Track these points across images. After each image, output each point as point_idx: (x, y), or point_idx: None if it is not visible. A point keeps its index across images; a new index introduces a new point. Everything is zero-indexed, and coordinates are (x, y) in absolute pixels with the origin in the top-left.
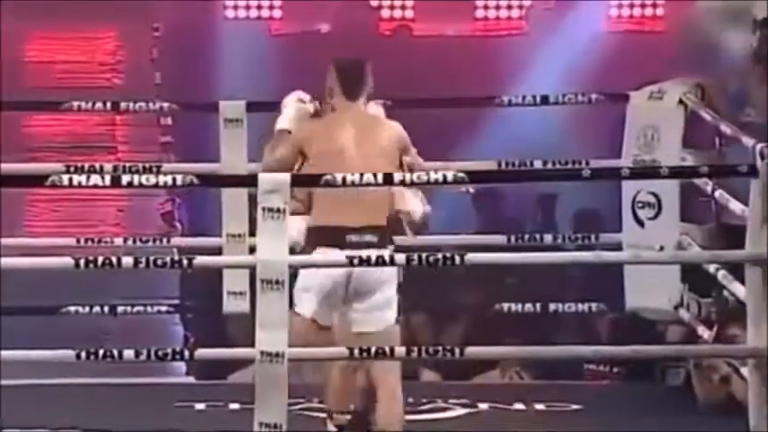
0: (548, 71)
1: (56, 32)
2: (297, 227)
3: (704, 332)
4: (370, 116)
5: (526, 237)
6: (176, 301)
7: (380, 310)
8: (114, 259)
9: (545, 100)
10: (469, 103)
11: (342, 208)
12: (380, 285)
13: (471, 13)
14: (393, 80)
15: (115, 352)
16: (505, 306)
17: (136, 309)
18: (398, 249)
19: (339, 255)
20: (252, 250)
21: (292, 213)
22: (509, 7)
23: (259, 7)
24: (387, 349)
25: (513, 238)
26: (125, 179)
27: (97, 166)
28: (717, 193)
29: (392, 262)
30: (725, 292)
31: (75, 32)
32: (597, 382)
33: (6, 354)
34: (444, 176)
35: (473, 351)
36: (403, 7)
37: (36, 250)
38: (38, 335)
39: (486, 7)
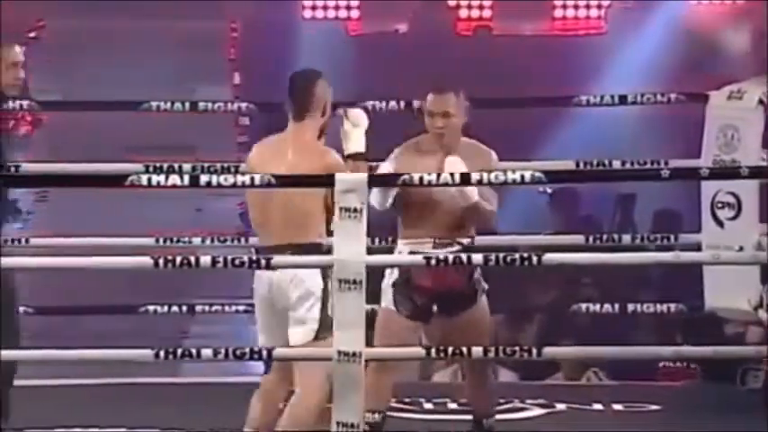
0: (626, 70)
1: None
2: None
3: None
4: (305, 143)
5: (604, 237)
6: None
7: (294, 327)
8: (192, 259)
9: (623, 100)
10: (547, 102)
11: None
12: (295, 304)
13: (550, 13)
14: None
15: (194, 351)
16: (583, 306)
17: (214, 308)
18: (472, 249)
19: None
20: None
21: None
22: (588, 7)
23: (337, 8)
24: (464, 350)
25: (590, 239)
26: (203, 179)
27: (176, 166)
28: None
29: (470, 262)
30: None
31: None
32: (675, 383)
33: (87, 353)
34: (522, 176)
35: (550, 351)
36: (481, 7)
37: (116, 250)
38: (117, 334)
39: (564, 7)
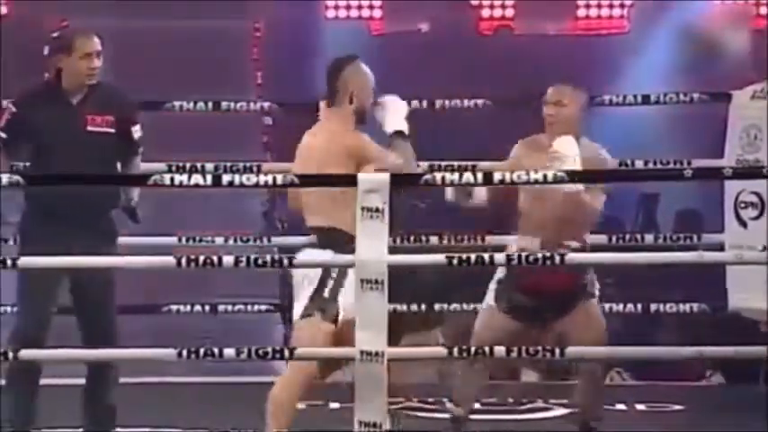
0: (649, 70)
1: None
2: None
3: None
4: (331, 128)
5: (627, 237)
6: (277, 301)
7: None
8: (215, 258)
9: (646, 99)
10: None
11: None
12: (301, 287)
13: (573, 12)
14: (493, 79)
15: (216, 350)
16: (606, 306)
17: (237, 307)
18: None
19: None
20: None
21: None
22: (610, 6)
23: (359, 7)
24: (486, 350)
25: (613, 238)
26: (226, 179)
27: (198, 165)
28: None
29: (492, 262)
30: None
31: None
32: (699, 384)
33: (111, 352)
34: (545, 176)
35: (574, 351)
36: (503, 6)
37: (139, 249)
38: (141, 333)
39: (587, 6)
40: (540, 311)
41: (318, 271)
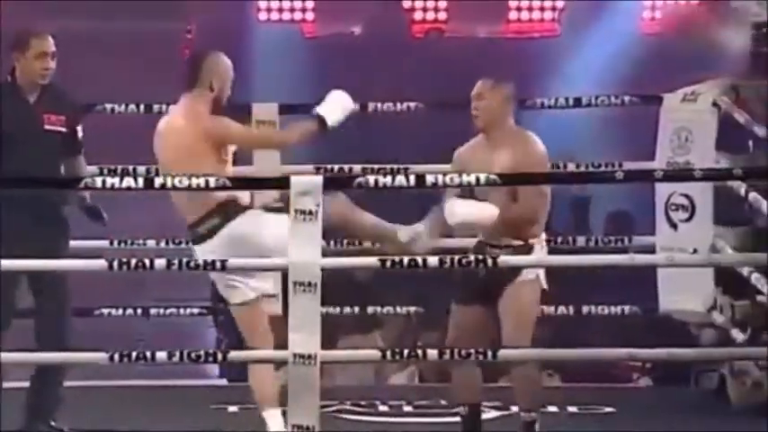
0: (580, 73)
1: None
2: None
3: (738, 335)
4: (184, 111)
5: (559, 239)
6: (209, 304)
7: None
8: (147, 261)
9: (578, 102)
10: None
11: None
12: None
13: (505, 15)
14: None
15: (148, 354)
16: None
17: (169, 311)
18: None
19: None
20: None
21: None
22: (542, 9)
23: (292, 10)
24: (420, 352)
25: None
26: (158, 182)
27: (130, 168)
28: (750, 196)
29: (425, 266)
30: (758, 296)
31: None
32: (629, 385)
33: (42, 356)
34: (477, 178)
35: (506, 354)
36: (436, 9)
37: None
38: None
39: (518, 9)
40: (476, 294)
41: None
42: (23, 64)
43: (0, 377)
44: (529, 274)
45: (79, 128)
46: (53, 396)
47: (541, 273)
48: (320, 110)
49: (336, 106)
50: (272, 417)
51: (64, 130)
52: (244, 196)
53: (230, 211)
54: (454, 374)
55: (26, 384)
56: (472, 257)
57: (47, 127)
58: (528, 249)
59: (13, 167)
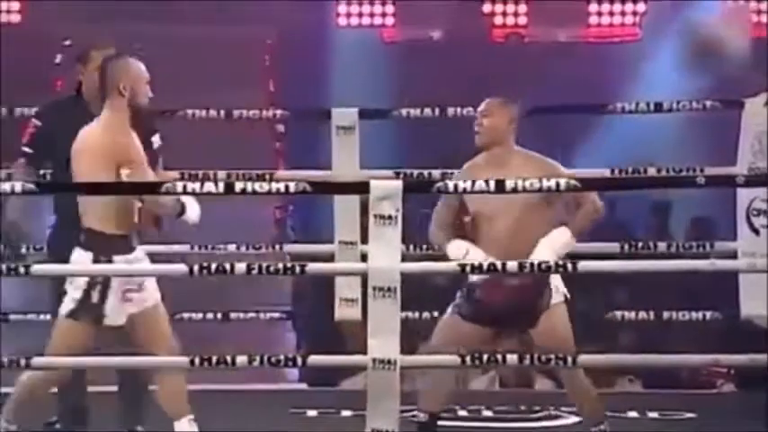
0: (661, 78)
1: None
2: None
3: None
4: (98, 122)
5: (639, 245)
6: (289, 308)
7: None
8: (227, 266)
9: (659, 107)
10: (582, 110)
11: None
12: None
13: (585, 20)
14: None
15: (228, 358)
16: (618, 314)
17: (249, 315)
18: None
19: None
20: (363, 257)
21: None
22: (622, 13)
23: (372, 15)
24: (499, 357)
25: (626, 246)
26: (238, 186)
27: (211, 173)
28: None
29: (504, 270)
30: None
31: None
32: (710, 391)
33: (124, 360)
34: (557, 184)
35: (586, 360)
36: (516, 14)
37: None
38: None
39: (599, 14)
40: (500, 320)
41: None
42: (86, 77)
43: (84, 381)
44: (557, 296)
45: (155, 138)
46: (140, 400)
47: (563, 288)
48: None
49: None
50: (184, 426)
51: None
52: None
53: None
54: (428, 380)
55: (113, 389)
56: (552, 263)
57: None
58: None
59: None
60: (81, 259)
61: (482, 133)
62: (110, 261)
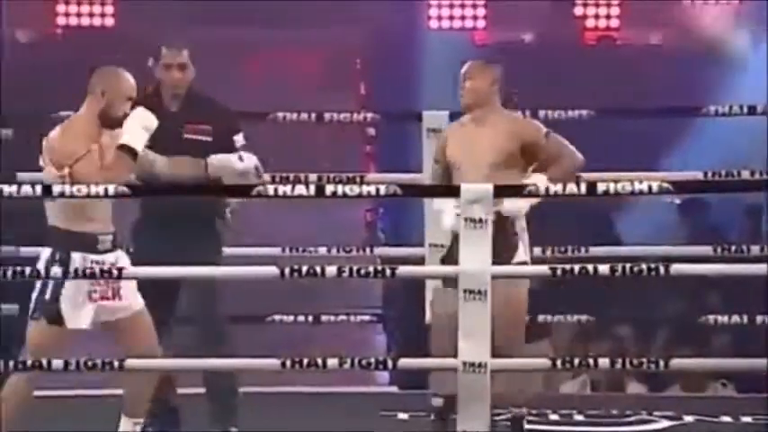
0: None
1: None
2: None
3: None
4: (74, 119)
5: (732, 248)
6: (379, 311)
7: None
8: (318, 269)
9: (752, 110)
10: (675, 112)
11: None
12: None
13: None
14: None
15: (319, 361)
16: (711, 318)
17: (340, 318)
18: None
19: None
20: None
21: None
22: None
23: (463, 17)
24: (591, 362)
25: (718, 249)
26: (329, 189)
27: (302, 176)
28: None
29: (596, 273)
30: None
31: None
32: None
33: (215, 362)
34: (649, 187)
35: (679, 363)
36: (608, 17)
37: (244, 260)
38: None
39: (690, 15)
40: None
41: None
42: (159, 73)
43: (173, 384)
44: (521, 255)
45: (237, 137)
46: (231, 402)
47: (526, 255)
48: (124, 140)
49: (137, 128)
50: (129, 424)
51: (207, 139)
52: None
53: None
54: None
55: (202, 390)
56: (644, 267)
57: (186, 136)
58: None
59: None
60: (42, 256)
61: (465, 95)
62: (68, 257)
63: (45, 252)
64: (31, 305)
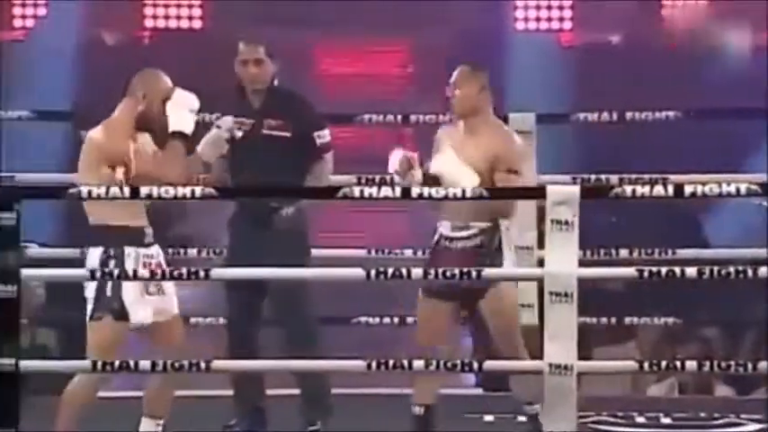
0: None
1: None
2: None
3: None
4: (111, 119)
5: None
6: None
7: None
8: (404, 270)
9: None
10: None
11: None
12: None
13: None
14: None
15: (405, 362)
16: None
17: None
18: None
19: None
20: (540, 262)
21: None
22: None
23: (549, 19)
24: (678, 364)
25: None
26: (414, 191)
27: (388, 178)
28: None
29: (683, 275)
30: None
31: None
32: None
33: (301, 363)
34: (737, 189)
35: (766, 366)
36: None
37: (331, 261)
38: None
39: None
40: (454, 291)
41: (97, 270)
42: (237, 69)
43: (263, 383)
44: (507, 266)
45: (319, 133)
46: (324, 403)
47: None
48: (173, 127)
49: (182, 114)
50: (151, 424)
51: (285, 134)
52: None
53: None
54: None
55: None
56: (732, 268)
57: (265, 132)
58: (495, 229)
59: (234, 172)
60: (92, 256)
61: (455, 104)
62: (122, 253)
63: (95, 251)
64: (89, 306)
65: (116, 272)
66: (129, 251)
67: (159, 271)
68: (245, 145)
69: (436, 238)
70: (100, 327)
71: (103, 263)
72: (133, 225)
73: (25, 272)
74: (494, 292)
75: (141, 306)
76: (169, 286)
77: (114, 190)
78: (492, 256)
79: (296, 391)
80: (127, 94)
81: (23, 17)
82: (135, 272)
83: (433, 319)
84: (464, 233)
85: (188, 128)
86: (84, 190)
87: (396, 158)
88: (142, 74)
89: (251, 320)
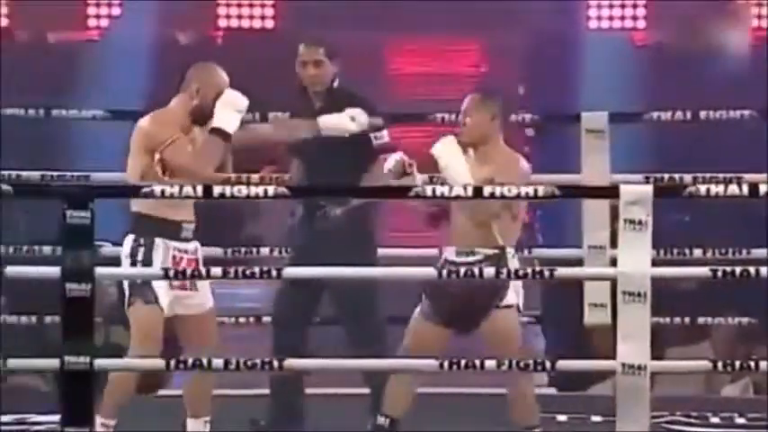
0: None
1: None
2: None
3: None
4: (162, 111)
5: None
6: (538, 312)
7: None
8: (476, 270)
9: None
10: None
11: None
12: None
13: None
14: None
15: (477, 362)
16: None
17: None
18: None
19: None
20: (613, 262)
21: None
22: None
23: (622, 18)
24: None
25: None
26: (487, 190)
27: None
28: None
29: (757, 274)
30: None
31: (439, 45)
32: None
33: (375, 362)
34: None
35: None
36: None
37: (400, 260)
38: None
39: None
40: (453, 317)
41: (127, 257)
42: (297, 70)
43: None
44: (511, 298)
45: (377, 134)
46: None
47: (520, 294)
48: (215, 123)
49: (228, 112)
50: (199, 424)
51: (345, 135)
52: None
53: None
54: (390, 383)
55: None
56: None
57: (324, 132)
58: (501, 257)
59: (295, 171)
60: (126, 243)
61: (464, 132)
62: (152, 243)
63: (128, 239)
64: (126, 293)
65: (158, 262)
66: (159, 242)
67: (191, 267)
68: (306, 146)
69: (440, 263)
70: (136, 312)
71: (133, 251)
72: (172, 218)
73: (99, 270)
74: (491, 320)
75: (168, 300)
76: (203, 282)
77: (187, 189)
78: (497, 283)
79: (337, 390)
80: (182, 88)
81: (98, 17)
82: (184, 270)
83: (426, 344)
84: (470, 258)
85: (231, 127)
86: (158, 189)
87: (393, 159)
88: (197, 68)
89: (301, 320)
